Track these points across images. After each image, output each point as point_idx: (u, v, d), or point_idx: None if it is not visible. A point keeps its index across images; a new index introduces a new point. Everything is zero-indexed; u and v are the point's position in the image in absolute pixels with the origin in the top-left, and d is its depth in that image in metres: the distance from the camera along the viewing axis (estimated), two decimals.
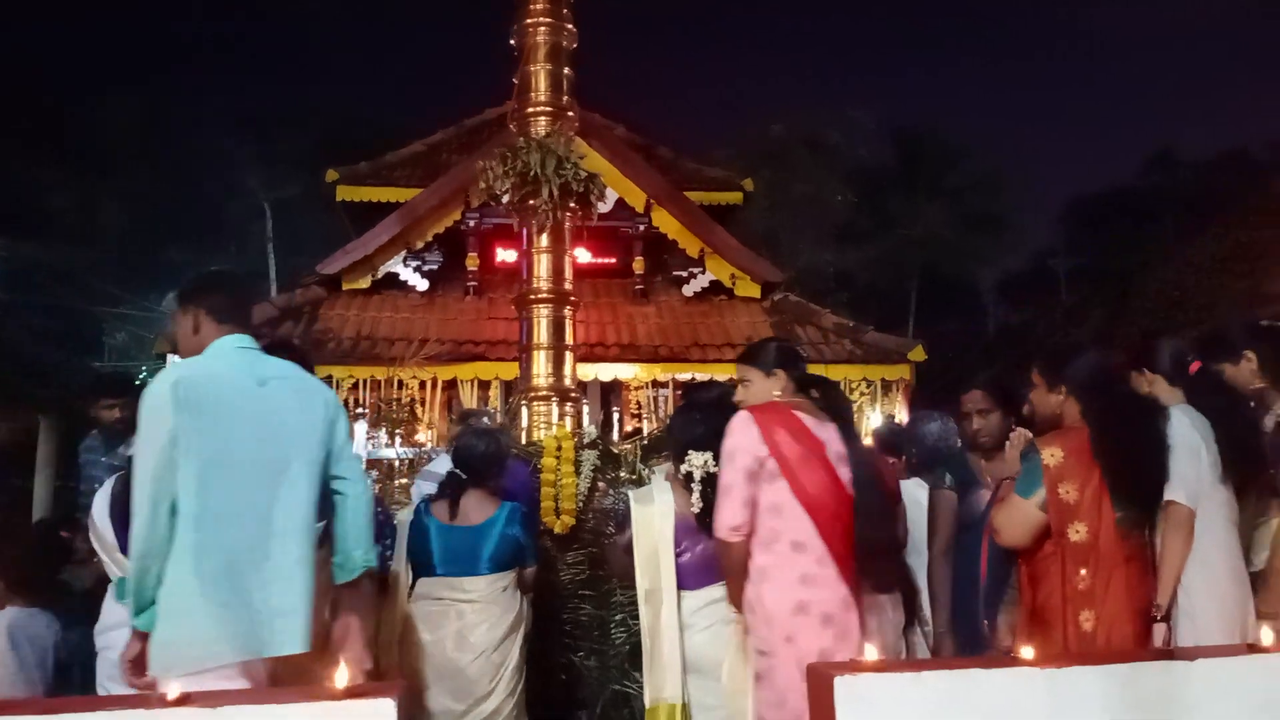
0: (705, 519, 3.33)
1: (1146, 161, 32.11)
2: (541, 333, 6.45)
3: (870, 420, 11.28)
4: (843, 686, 1.98)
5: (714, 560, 3.29)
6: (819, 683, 2.03)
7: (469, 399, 11.05)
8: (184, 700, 1.99)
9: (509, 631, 3.83)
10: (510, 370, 9.70)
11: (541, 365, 6.41)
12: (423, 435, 8.60)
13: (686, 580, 3.57)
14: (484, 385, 11.38)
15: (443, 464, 4.38)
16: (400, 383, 9.80)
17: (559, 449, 4.97)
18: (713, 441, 3.27)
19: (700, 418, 3.64)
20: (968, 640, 3.48)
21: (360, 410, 9.81)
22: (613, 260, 13.51)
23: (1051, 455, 2.97)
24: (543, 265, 6.50)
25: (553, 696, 4.43)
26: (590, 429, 6.01)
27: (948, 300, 28.71)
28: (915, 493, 3.88)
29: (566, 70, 6.82)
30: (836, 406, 3.54)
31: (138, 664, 2.54)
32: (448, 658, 3.72)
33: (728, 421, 3.15)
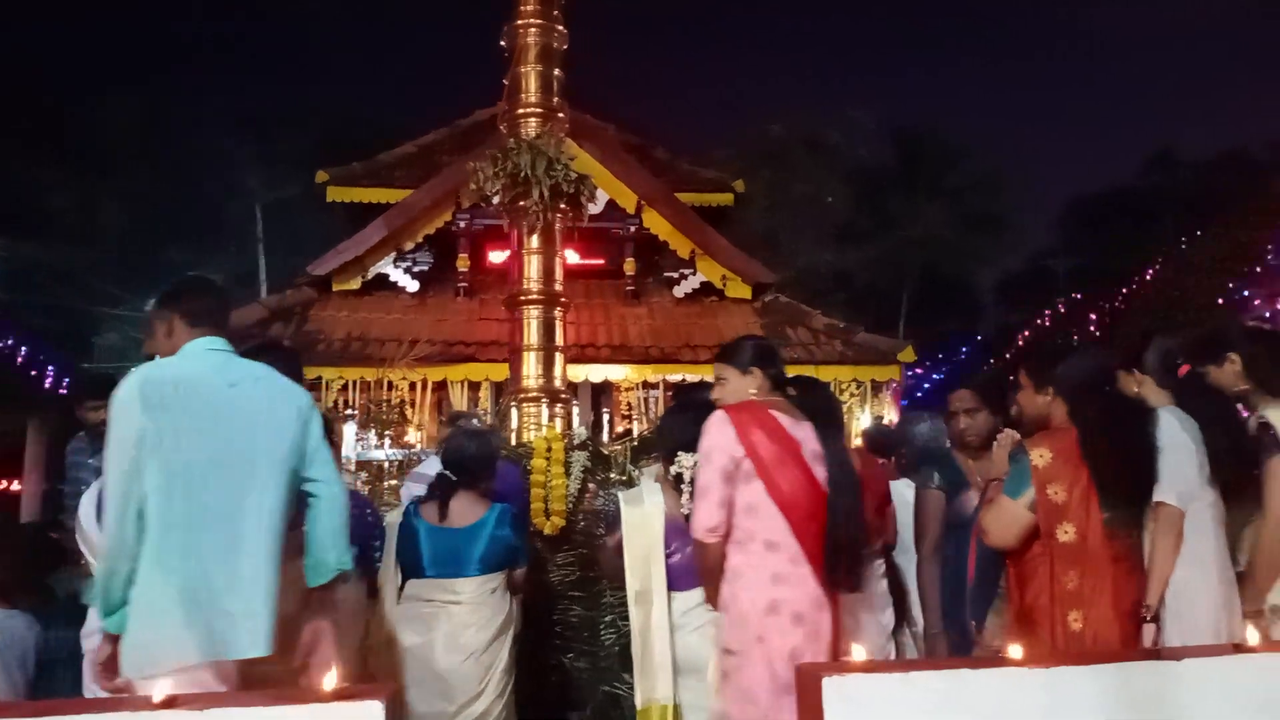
0: None
1: (1146, 162, 32.21)
2: (532, 334, 6.46)
3: (860, 421, 11.30)
4: (831, 687, 1.98)
5: None
6: (807, 683, 2.03)
7: (459, 400, 11.04)
8: (170, 703, 1.98)
9: (499, 633, 3.82)
10: (501, 371, 9.69)
11: (532, 366, 6.41)
12: (412, 436, 8.59)
13: (677, 581, 3.57)
14: (474, 386, 11.38)
15: (432, 466, 4.37)
16: (390, 384, 9.80)
17: (549, 450, 4.96)
18: None
19: (691, 419, 3.63)
20: (957, 640, 3.49)
21: (350, 411, 9.79)
22: (604, 261, 13.51)
23: (1040, 456, 2.97)
24: (533, 266, 6.50)
25: (543, 698, 4.43)
26: (580, 430, 6.00)
27: (947, 300, 28.75)
28: (904, 493, 3.89)
29: (557, 71, 6.83)
30: (821, 406, 3.55)
31: (109, 666, 2.54)
32: (437, 659, 3.71)
33: None
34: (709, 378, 3.33)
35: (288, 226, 24.83)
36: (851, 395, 11.94)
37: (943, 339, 23.80)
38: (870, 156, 27.96)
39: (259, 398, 2.72)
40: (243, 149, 25.38)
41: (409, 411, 9.43)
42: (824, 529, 3.03)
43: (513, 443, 5.82)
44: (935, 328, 24.70)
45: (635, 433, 10.29)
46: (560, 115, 6.81)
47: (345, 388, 10.90)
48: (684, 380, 11.64)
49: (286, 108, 27.14)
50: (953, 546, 3.63)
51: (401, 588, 3.91)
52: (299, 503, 2.78)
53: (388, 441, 7.47)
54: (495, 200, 6.52)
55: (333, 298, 12.53)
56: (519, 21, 6.77)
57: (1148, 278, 17.06)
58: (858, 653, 2.13)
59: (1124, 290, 17.17)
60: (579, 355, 11.26)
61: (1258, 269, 12.47)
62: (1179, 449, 3.04)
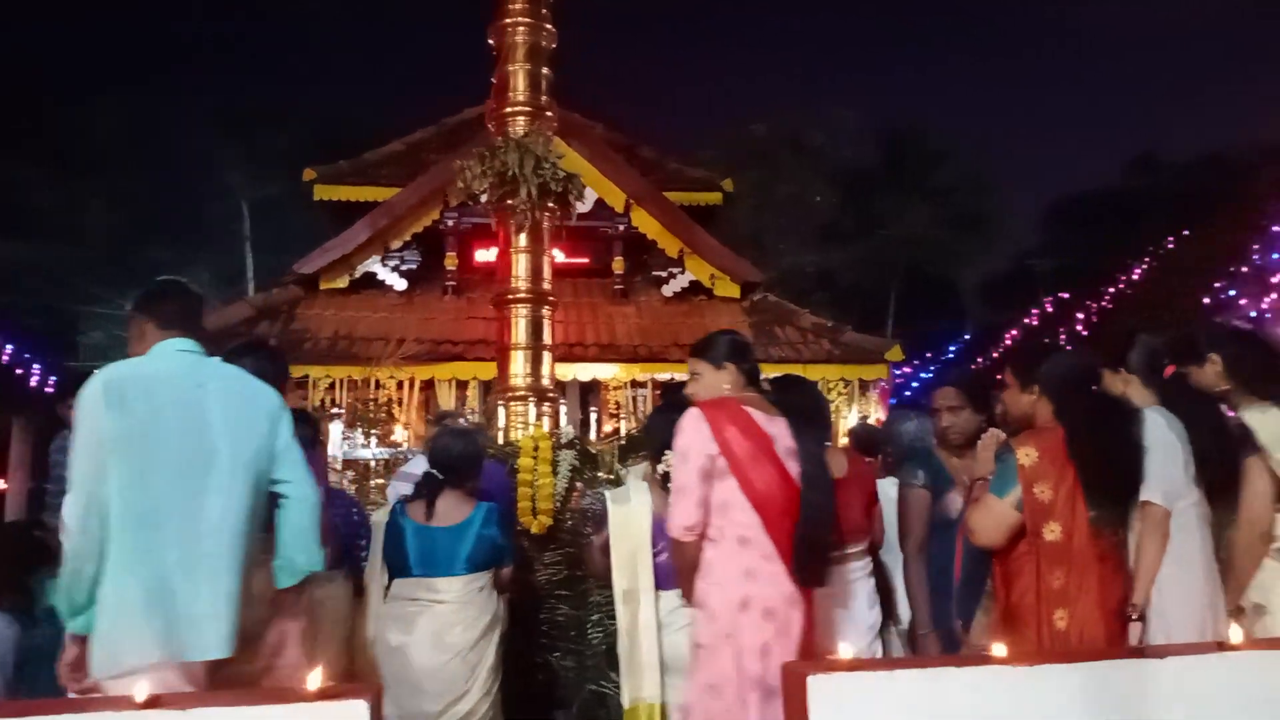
0: None
1: (1130, 163, 32.42)
2: (519, 332, 6.45)
3: (847, 420, 11.33)
4: (816, 685, 1.98)
5: None
6: (792, 682, 2.03)
7: (447, 399, 11.02)
8: (153, 702, 1.97)
9: (485, 632, 3.82)
10: (488, 370, 9.70)
11: (519, 365, 6.41)
12: (399, 435, 8.57)
13: (664, 580, 3.57)
14: (462, 385, 11.37)
15: (419, 465, 4.36)
16: (377, 383, 9.77)
17: (536, 449, 4.96)
18: None
19: (678, 418, 3.64)
20: (943, 639, 3.50)
21: (336, 410, 9.76)
22: (592, 260, 13.50)
23: (1026, 455, 2.98)
24: (521, 265, 6.49)
25: (530, 697, 4.43)
26: (568, 429, 6.01)
27: (933, 300, 28.82)
28: (890, 491, 3.90)
29: (545, 70, 6.82)
30: (809, 404, 3.56)
31: (77, 667, 2.53)
32: (424, 658, 3.70)
33: None
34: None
35: (275, 225, 24.78)
36: (839, 394, 11.97)
37: (930, 338, 23.85)
38: (856, 156, 28.09)
39: (226, 398, 2.71)
40: (230, 148, 25.33)
41: (396, 410, 9.42)
42: (796, 524, 3.03)
43: (500, 442, 5.82)
44: (922, 327, 24.75)
45: (623, 431, 10.29)
46: (548, 114, 6.80)
47: (332, 386, 10.88)
48: (672, 379, 11.63)
49: (274, 106, 27.07)
50: (936, 545, 3.62)
51: (388, 587, 3.90)
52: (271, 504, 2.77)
53: (374, 440, 7.46)
54: (483, 199, 6.51)
55: (320, 296, 12.49)
56: (507, 20, 6.76)
57: (1134, 277, 17.14)
58: (843, 651, 2.13)
59: (1110, 290, 17.25)
60: (567, 354, 11.25)
61: (1243, 269, 12.54)
62: (1165, 448, 3.06)
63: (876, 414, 11.73)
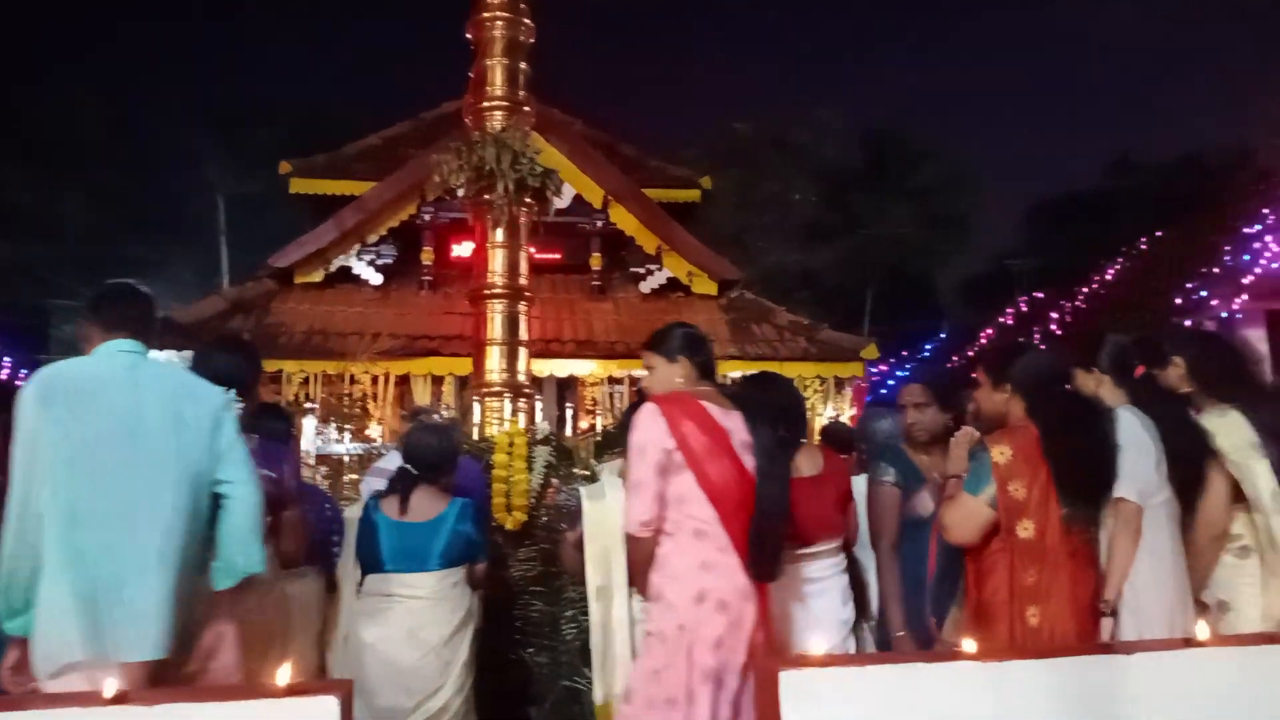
0: None
1: (1108, 165, 32.68)
2: (495, 328, 6.42)
3: (822, 418, 11.37)
4: (788, 681, 1.99)
5: None
6: (764, 677, 2.03)
7: (422, 395, 10.98)
8: (121, 699, 1.95)
9: (459, 628, 3.81)
10: (464, 366, 9.64)
11: (495, 361, 6.38)
12: (373, 431, 8.53)
13: None
14: (437, 381, 11.33)
15: (393, 460, 4.34)
16: (352, 378, 9.72)
17: (511, 445, 4.94)
18: None
19: None
20: (915, 638, 3.49)
21: (311, 405, 9.71)
22: (570, 256, 13.48)
23: (1001, 453, 3.00)
24: (498, 260, 6.47)
25: (503, 693, 4.41)
26: (543, 425, 5.99)
27: (911, 299, 28.96)
28: (862, 488, 3.90)
29: (523, 65, 6.79)
30: (784, 401, 3.56)
31: (19, 670, 2.53)
32: (397, 654, 3.68)
33: None
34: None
35: (251, 219, 24.62)
36: (815, 392, 12.01)
37: (907, 337, 23.97)
38: (838, 156, 28.15)
39: (165, 398, 2.69)
40: (206, 142, 25.16)
41: (371, 406, 9.38)
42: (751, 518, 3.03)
43: (475, 437, 5.79)
44: (899, 326, 24.87)
45: (599, 428, 10.29)
46: (526, 109, 6.77)
47: (306, 381, 10.80)
48: None
49: (251, 101, 26.92)
50: (907, 544, 3.60)
51: (360, 582, 3.88)
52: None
53: (348, 436, 7.42)
54: (460, 193, 6.48)
55: (295, 290, 12.41)
56: (485, 14, 6.73)
57: (1110, 278, 17.27)
58: (816, 647, 2.14)
59: (1086, 290, 17.37)
60: (544, 350, 11.24)
61: (1215, 270, 12.67)
62: (1138, 446, 3.09)
63: (850, 412, 11.78)
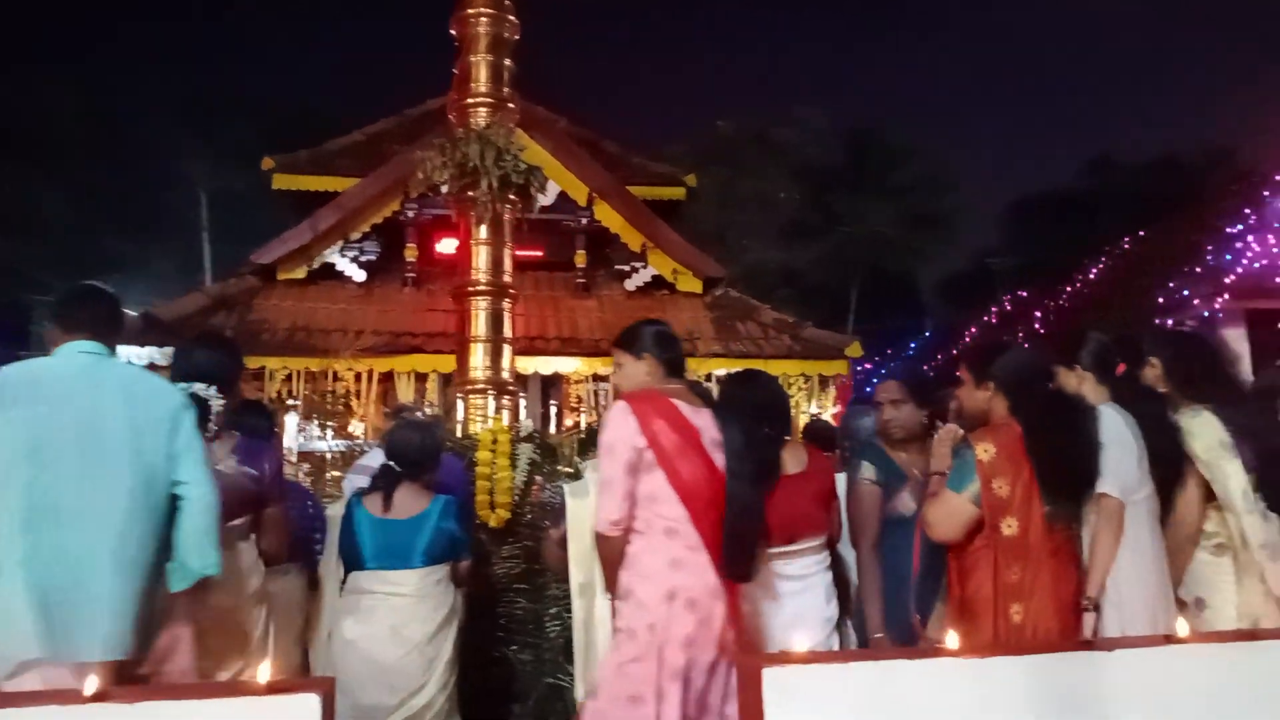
0: None
1: (1087, 165, 32.92)
2: (479, 325, 6.41)
3: (806, 415, 11.39)
4: (771, 678, 1.99)
5: None
6: (747, 674, 2.03)
7: (406, 392, 10.95)
8: (101, 696, 1.93)
9: (442, 625, 3.80)
10: (448, 363, 9.62)
11: (479, 358, 6.37)
12: (356, 428, 8.50)
13: None
14: (421, 378, 11.30)
15: (376, 458, 4.33)
16: (335, 375, 9.67)
17: (495, 442, 4.94)
18: None
19: None
20: (899, 636, 3.49)
21: (293, 402, 9.67)
22: (554, 253, 13.46)
23: (985, 451, 3.01)
24: (481, 257, 6.46)
25: (487, 690, 4.41)
26: (527, 422, 5.98)
27: (894, 297, 29.07)
28: (843, 486, 3.89)
29: (508, 61, 6.78)
30: (769, 399, 3.57)
31: None
32: (380, 652, 3.67)
33: None
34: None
35: (234, 215, 24.50)
36: (799, 389, 12.04)
37: (890, 335, 24.06)
38: (821, 154, 28.22)
39: (123, 398, 2.69)
40: (189, 138, 25.02)
41: (354, 403, 9.34)
42: (722, 516, 3.02)
43: (459, 435, 5.78)
44: (883, 324, 24.97)
45: (583, 425, 10.28)
46: (510, 106, 6.76)
47: (289, 378, 10.75)
48: None
49: (234, 95, 26.75)
50: (887, 543, 3.58)
51: (343, 580, 3.87)
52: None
53: (330, 433, 7.39)
54: (444, 190, 6.47)
55: (278, 287, 12.35)
56: (469, 10, 6.72)
57: (1090, 276, 17.36)
58: (799, 644, 2.14)
59: (1067, 288, 17.46)
60: (528, 347, 11.22)
61: (1196, 269, 12.75)
62: (1120, 443, 3.10)
63: (833, 410, 11.81)
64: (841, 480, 3.90)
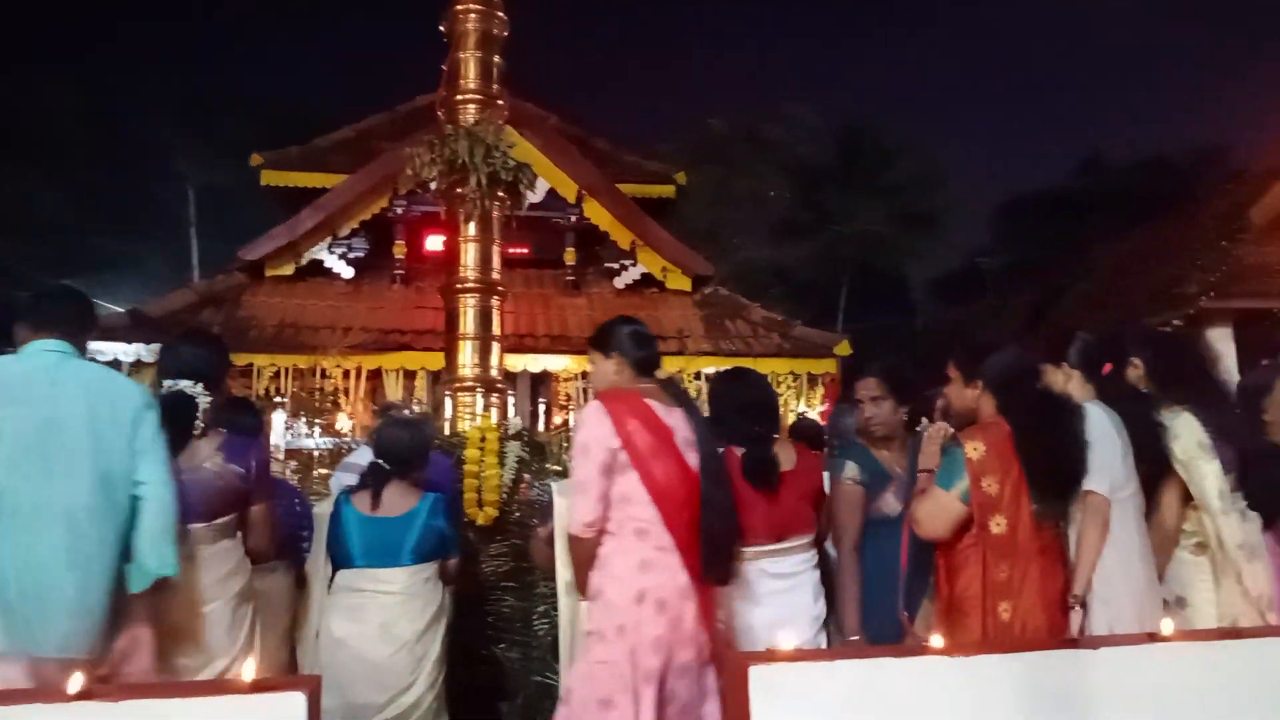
0: None
1: (1077, 165, 33.07)
2: (468, 322, 6.41)
3: (794, 413, 11.41)
4: (757, 676, 1.99)
5: None
6: (734, 672, 2.04)
7: (394, 389, 10.94)
8: (86, 695, 1.92)
9: (431, 623, 3.79)
10: (437, 360, 9.62)
11: (467, 355, 6.37)
12: (344, 425, 8.48)
13: None
14: (409, 375, 11.28)
15: (363, 455, 4.32)
16: (323, 372, 9.65)
17: (483, 440, 4.93)
18: None
19: None
20: (885, 635, 3.47)
21: (281, 399, 9.64)
22: (544, 251, 13.45)
23: (974, 449, 3.01)
24: (470, 254, 6.45)
25: (475, 688, 4.40)
26: (515, 420, 5.97)
27: (884, 295, 29.13)
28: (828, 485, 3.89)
29: (497, 58, 6.77)
30: (756, 396, 3.57)
31: None
32: (369, 650, 3.66)
33: None
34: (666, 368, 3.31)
35: (222, 211, 24.42)
36: (788, 388, 12.05)
37: (880, 333, 24.11)
38: (812, 153, 28.25)
39: (84, 397, 2.69)
40: (177, 134, 24.91)
41: (342, 400, 9.32)
42: (695, 517, 3.01)
43: (447, 433, 5.77)
44: (872, 322, 25.01)
45: (572, 423, 10.27)
46: (500, 102, 6.75)
47: (277, 375, 10.73)
48: None
49: (223, 91, 26.68)
50: (873, 541, 3.55)
51: (331, 578, 3.86)
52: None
53: (318, 430, 7.37)
54: (432, 187, 6.46)
55: (265, 283, 12.31)
56: (459, 6, 6.71)
57: (1079, 276, 17.41)
58: (786, 642, 2.14)
59: (1057, 287, 17.51)
60: (517, 345, 11.21)
61: (1184, 269, 12.79)
62: (1106, 441, 3.12)
63: (820, 408, 11.83)
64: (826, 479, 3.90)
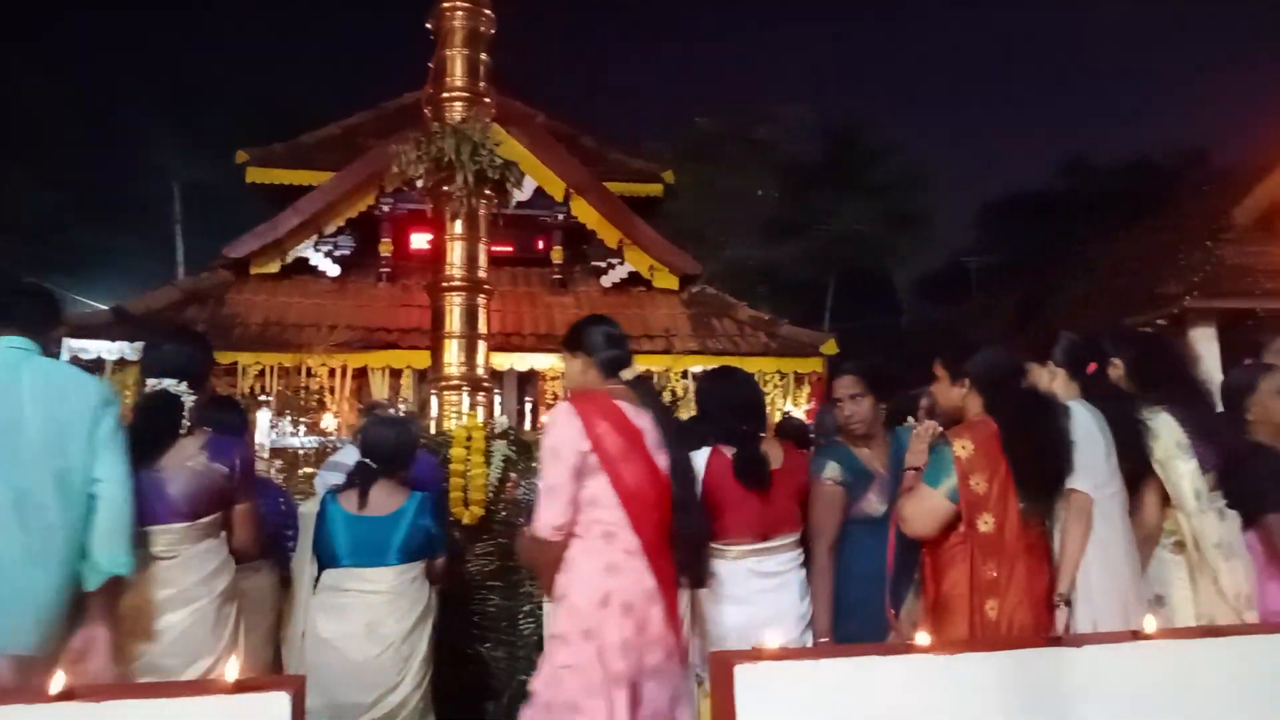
0: None
1: (1061, 166, 33.28)
2: (454, 321, 6.39)
3: (780, 413, 11.43)
4: (743, 674, 1.99)
5: None
6: (720, 670, 2.04)
7: (380, 388, 10.91)
8: (68, 695, 1.91)
9: (417, 623, 3.77)
10: (423, 359, 9.61)
11: (454, 354, 6.35)
12: (329, 424, 8.45)
13: None
14: (396, 374, 11.25)
15: (349, 454, 4.30)
16: (309, 370, 9.61)
17: (469, 439, 4.92)
18: None
19: None
20: (871, 633, 3.47)
21: (265, 398, 9.60)
22: (531, 249, 13.43)
23: (963, 447, 3.02)
24: (456, 252, 6.43)
25: (461, 688, 4.40)
26: (502, 419, 5.96)
27: (870, 295, 29.25)
28: None
29: (484, 56, 6.76)
30: (744, 395, 3.57)
31: None
32: (355, 650, 3.64)
33: None
34: (635, 368, 3.28)
35: (208, 208, 24.33)
36: (775, 387, 12.07)
37: (866, 333, 24.20)
38: (799, 152, 28.35)
39: (45, 394, 2.68)
40: (162, 130, 24.82)
41: (327, 398, 9.29)
42: (664, 520, 3.00)
43: (433, 431, 5.76)
44: (859, 321, 25.11)
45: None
46: (486, 100, 6.73)
47: (262, 374, 10.68)
48: None
49: (208, 86, 26.59)
50: (858, 540, 3.54)
51: (317, 578, 3.84)
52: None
53: (303, 429, 7.34)
54: (419, 185, 6.44)
55: (250, 281, 12.26)
56: (446, 4, 6.69)
57: (1063, 276, 17.51)
58: (772, 640, 2.15)
59: (1042, 288, 17.60)
60: (504, 343, 11.20)
61: (1167, 269, 12.86)
62: (1091, 440, 3.14)
63: (807, 406, 11.86)
64: None
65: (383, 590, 3.71)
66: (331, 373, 10.26)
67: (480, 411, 6.21)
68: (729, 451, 3.44)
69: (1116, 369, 3.56)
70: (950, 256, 32.43)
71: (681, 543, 2.99)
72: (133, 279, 20.78)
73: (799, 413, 11.47)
